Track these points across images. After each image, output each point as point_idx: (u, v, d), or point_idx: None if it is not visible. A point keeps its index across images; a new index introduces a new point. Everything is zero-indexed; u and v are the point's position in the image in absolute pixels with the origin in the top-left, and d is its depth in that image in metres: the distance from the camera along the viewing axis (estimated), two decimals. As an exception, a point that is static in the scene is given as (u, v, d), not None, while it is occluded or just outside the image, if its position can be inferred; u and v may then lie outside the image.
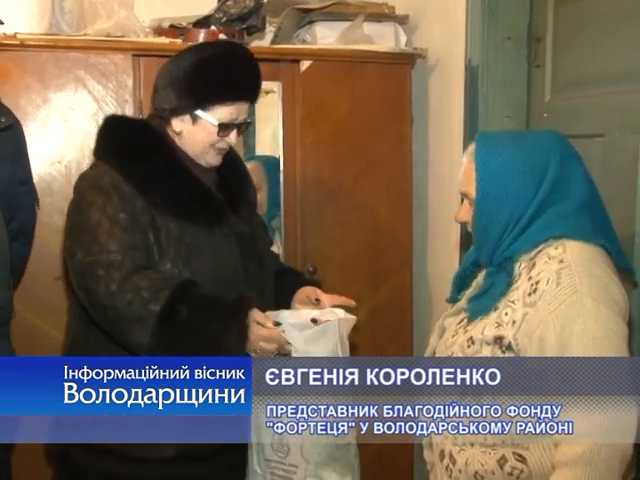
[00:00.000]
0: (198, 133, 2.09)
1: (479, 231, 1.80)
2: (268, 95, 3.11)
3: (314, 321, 2.07)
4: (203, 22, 2.90)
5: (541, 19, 2.68)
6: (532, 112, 2.75)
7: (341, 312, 2.11)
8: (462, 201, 1.87)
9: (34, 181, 2.62)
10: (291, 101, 3.03)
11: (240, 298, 2.00)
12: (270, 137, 3.23)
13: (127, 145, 2.10)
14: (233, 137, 2.12)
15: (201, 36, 2.84)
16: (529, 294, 1.66)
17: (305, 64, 3.00)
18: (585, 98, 2.43)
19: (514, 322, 1.67)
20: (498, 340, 1.68)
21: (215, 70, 2.09)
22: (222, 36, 2.84)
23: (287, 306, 2.27)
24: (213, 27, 2.90)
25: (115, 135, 2.16)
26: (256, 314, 1.97)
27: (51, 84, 2.72)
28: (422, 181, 3.27)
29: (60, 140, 2.75)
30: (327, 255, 3.08)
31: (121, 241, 1.95)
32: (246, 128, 2.19)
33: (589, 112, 2.40)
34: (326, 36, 3.13)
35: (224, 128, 2.09)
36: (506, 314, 1.69)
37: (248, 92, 2.14)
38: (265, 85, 3.04)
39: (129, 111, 2.77)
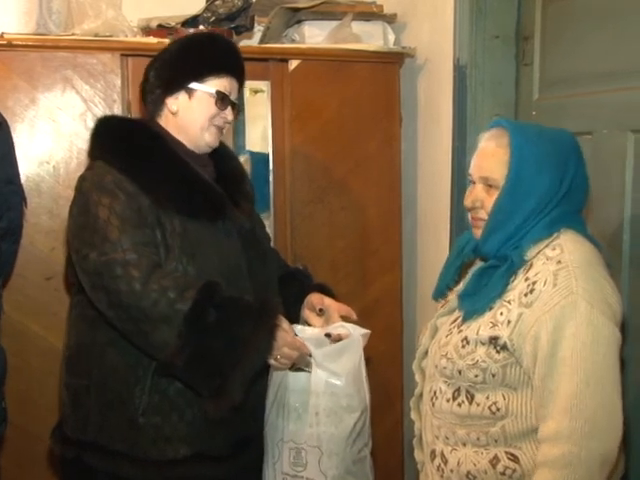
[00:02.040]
0: (196, 108, 2.11)
1: (498, 218, 1.76)
2: (257, 94, 3.11)
3: (327, 335, 2.06)
4: (191, 22, 2.90)
5: (529, 18, 2.68)
6: (521, 110, 2.75)
7: (350, 326, 2.11)
8: (472, 186, 1.83)
9: (22, 181, 2.60)
10: (280, 100, 3.03)
11: (267, 300, 2.01)
12: (259, 136, 3.22)
13: (126, 144, 2.09)
14: (229, 113, 2.14)
15: (189, 36, 2.84)
16: (525, 294, 1.67)
17: (294, 63, 3.00)
18: (573, 96, 2.44)
19: (509, 322, 1.67)
20: (493, 340, 1.68)
21: (204, 46, 2.14)
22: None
23: (297, 314, 2.27)
24: (201, 27, 2.89)
25: (112, 135, 2.15)
26: (282, 320, 1.98)
27: (39, 84, 2.71)
28: (411, 180, 3.28)
29: (48, 140, 2.74)
30: (317, 254, 3.08)
31: (133, 238, 1.93)
32: (239, 111, 2.21)
33: (577, 110, 2.41)
34: (315, 35, 3.14)
35: (221, 98, 2.11)
36: (501, 314, 1.69)
37: (237, 68, 2.17)
38: (254, 84, 3.07)
39: (118, 111, 2.76)
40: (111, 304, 1.90)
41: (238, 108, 2.22)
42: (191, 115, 2.11)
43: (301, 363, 2.03)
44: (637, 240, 2.15)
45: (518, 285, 1.70)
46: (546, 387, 1.60)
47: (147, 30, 2.92)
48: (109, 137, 2.14)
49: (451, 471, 1.77)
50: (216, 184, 2.16)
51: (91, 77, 2.75)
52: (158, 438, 2.01)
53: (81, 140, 2.74)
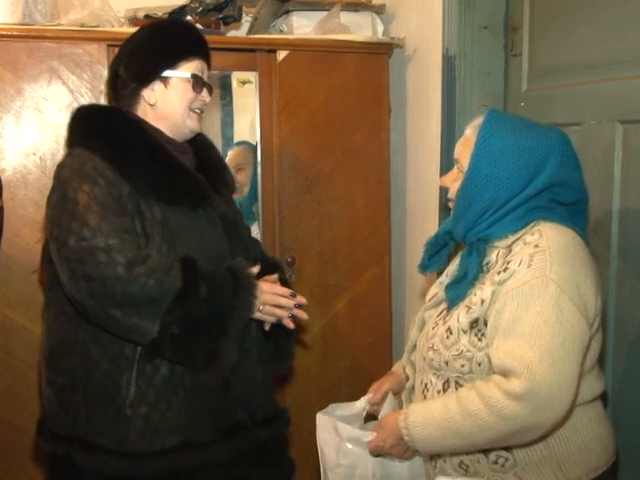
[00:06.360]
0: (173, 95, 2.11)
1: (460, 204, 1.78)
2: (245, 85, 3.10)
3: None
4: (179, 12, 2.88)
5: (517, 8, 2.69)
6: (509, 101, 2.76)
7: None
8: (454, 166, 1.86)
9: (8, 173, 2.59)
10: (268, 91, 3.01)
11: (234, 266, 2.04)
12: (248, 127, 3.22)
13: (106, 131, 2.07)
14: (206, 95, 2.16)
15: (177, 26, 2.82)
16: (498, 273, 1.67)
17: (282, 54, 2.98)
18: (561, 87, 2.44)
19: (483, 301, 1.67)
20: (474, 324, 1.68)
21: (169, 32, 2.16)
22: (198, 26, 2.82)
23: None
24: (189, 17, 2.88)
25: (92, 121, 2.13)
26: (253, 277, 2.05)
27: (25, 75, 2.68)
28: (400, 171, 3.27)
29: (34, 131, 2.72)
30: (305, 245, 3.08)
31: (113, 224, 1.90)
32: (211, 91, 2.20)
33: (565, 101, 2.41)
34: (303, 26, 3.13)
35: (197, 81, 2.12)
36: (475, 295, 1.70)
37: (203, 48, 2.18)
38: (242, 75, 3.06)
39: (104, 102, 2.73)
40: (93, 292, 1.85)
41: (211, 89, 2.21)
42: (170, 104, 2.11)
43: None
44: (625, 231, 2.15)
45: (496, 268, 1.70)
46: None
47: (134, 20, 2.90)
48: (88, 124, 2.12)
49: (444, 461, 1.78)
50: (197, 172, 2.16)
51: (77, 68, 2.73)
52: (146, 429, 1.99)
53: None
